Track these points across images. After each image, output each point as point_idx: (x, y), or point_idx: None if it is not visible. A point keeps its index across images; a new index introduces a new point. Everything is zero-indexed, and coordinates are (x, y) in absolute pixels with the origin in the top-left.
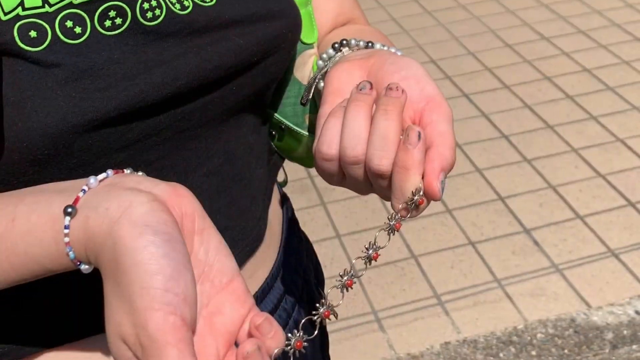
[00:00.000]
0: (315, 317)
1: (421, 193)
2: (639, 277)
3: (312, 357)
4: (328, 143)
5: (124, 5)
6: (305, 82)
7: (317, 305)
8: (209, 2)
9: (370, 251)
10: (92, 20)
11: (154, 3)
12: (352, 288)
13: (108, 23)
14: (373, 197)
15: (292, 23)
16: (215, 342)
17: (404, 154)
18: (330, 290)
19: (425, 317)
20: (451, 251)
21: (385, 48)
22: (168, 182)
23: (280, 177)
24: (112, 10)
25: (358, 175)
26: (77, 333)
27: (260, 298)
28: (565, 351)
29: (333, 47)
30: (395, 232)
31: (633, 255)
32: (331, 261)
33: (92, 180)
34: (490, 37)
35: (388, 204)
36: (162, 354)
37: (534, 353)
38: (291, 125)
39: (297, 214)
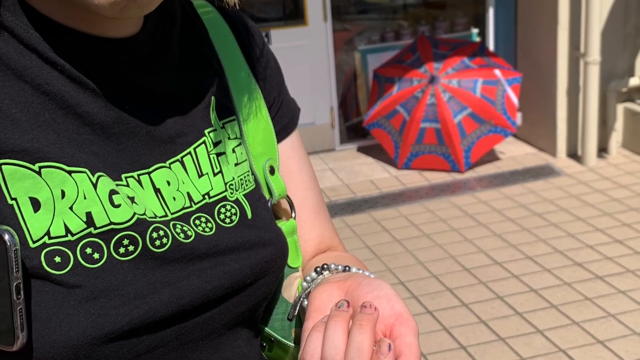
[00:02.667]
0: None
1: None
2: None
3: None
4: (311, 353)
5: (135, 235)
6: (291, 301)
7: None
8: (208, 232)
9: None
10: (108, 248)
11: (161, 233)
12: None
13: (122, 250)
14: None
15: (281, 250)
16: None
17: None
18: None
19: None
20: None
21: (361, 271)
22: None
23: None
24: (125, 239)
25: None
26: None
27: None
28: None
29: (315, 270)
30: None
31: None
32: None
33: None
34: (451, 262)
35: None
36: None
37: None
38: (279, 338)
39: None
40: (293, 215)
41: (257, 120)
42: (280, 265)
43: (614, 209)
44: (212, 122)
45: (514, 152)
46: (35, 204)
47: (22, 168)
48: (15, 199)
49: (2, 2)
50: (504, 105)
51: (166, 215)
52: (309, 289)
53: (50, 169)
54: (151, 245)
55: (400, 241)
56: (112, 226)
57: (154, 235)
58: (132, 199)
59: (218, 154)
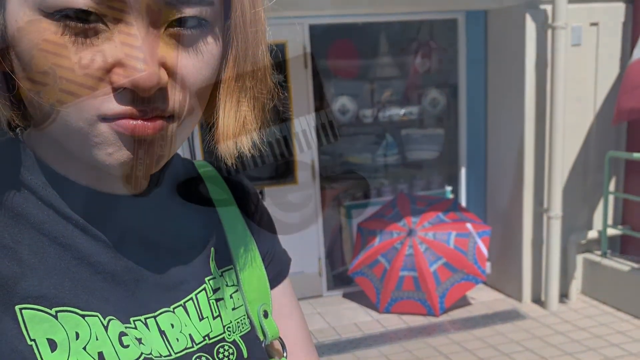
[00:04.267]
0: None
1: None
2: None
3: None
4: None
5: None
6: None
7: None
8: None
9: None
10: None
11: None
12: None
13: None
14: None
15: None
16: None
17: None
18: None
19: None
20: None
21: None
22: None
23: None
24: None
25: None
26: None
27: None
28: None
29: None
30: None
31: None
32: None
33: None
34: None
35: None
36: None
37: None
38: None
39: None
40: (285, 354)
41: (252, 269)
42: None
43: (574, 349)
44: (212, 270)
45: (484, 298)
46: (52, 345)
47: (40, 312)
48: (34, 340)
49: (22, 163)
50: (475, 255)
51: (170, 355)
52: None
53: (66, 313)
54: None
55: None
56: None
57: None
58: (139, 340)
59: (217, 300)
